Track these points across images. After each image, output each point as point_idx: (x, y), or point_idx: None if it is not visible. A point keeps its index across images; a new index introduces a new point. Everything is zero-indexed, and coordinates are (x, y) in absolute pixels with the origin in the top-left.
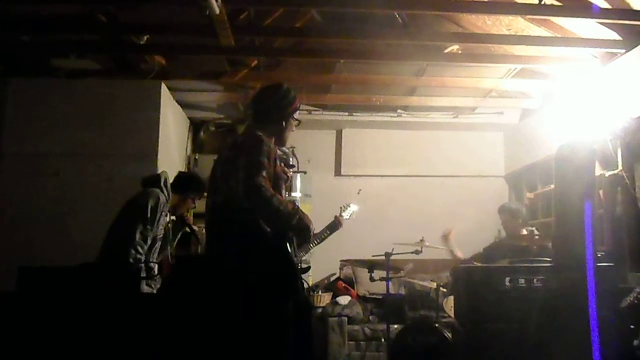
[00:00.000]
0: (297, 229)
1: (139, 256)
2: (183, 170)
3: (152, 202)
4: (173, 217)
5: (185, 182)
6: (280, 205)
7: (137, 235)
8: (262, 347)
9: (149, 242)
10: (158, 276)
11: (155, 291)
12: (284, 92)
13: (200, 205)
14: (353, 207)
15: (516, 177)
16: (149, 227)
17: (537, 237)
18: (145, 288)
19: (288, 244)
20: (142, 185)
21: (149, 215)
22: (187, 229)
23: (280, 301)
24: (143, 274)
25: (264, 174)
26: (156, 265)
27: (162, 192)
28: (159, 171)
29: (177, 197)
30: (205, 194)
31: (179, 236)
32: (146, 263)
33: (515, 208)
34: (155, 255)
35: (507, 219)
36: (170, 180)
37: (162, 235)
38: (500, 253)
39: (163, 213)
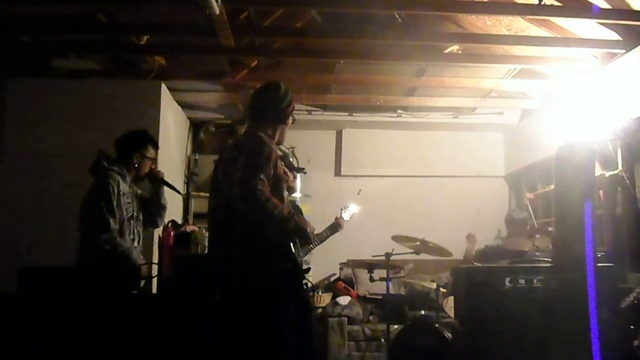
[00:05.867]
0: (294, 234)
1: (120, 250)
2: (183, 170)
3: (100, 194)
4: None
5: (122, 146)
6: (275, 209)
7: (103, 236)
8: (265, 348)
9: (117, 226)
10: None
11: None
12: (284, 92)
13: (201, 205)
14: (353, 208)
15: (516, 178)
16: (107, 217)
17: (537, 237)
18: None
19: (292, 244)
20: (91, 175)
21: (102, 205)
22: (164, 184)
23: (283, 302)
24: (143, 274)
25: (262, 176)
26: (156, 266)
27: (112, 170)
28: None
29: (127, 164)
30: (206, 194)
31: (162, 194)
32: (120, 249)
33: (522, 218)
34: (132, 236)
35: (518, 230)
36: None
37: (132, 214)
38: (500, 255)
39: (121, 192)
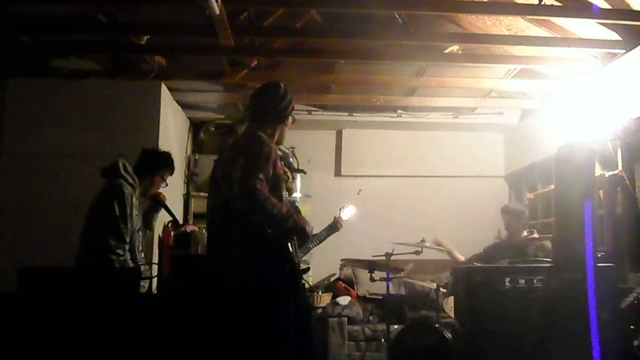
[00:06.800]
0: (292, 232)
1: (122, 258)
2: (183, 170)
3: (117, 198)
4: None
5: (149, 161)
6: (274, 208)
7: (112, 240)
8: (264, 348)
9: (128, 240)
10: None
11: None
12: (283, 91)
13: (201, 205)
14: (352, 208)
15: (516, 178)
16: (122, 226)
17: (536, 237)
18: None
19: (290, 244)
20: (102, 176)
21: (117, 213)
22: (163, 209)
23: (282, 302)
24: (144, 274)
25: (261, 176)
26: (156, 266)
27: (125, 180)
28: None
29: (144, 178)
30: (205, 194)
31: (156, 217)
32: (134, 260)
33: (519, 209)
34: (141, 248)
35: (510, 220)
36: None
37: (140, 227)
38: (500, 253)
39: (133, 204)
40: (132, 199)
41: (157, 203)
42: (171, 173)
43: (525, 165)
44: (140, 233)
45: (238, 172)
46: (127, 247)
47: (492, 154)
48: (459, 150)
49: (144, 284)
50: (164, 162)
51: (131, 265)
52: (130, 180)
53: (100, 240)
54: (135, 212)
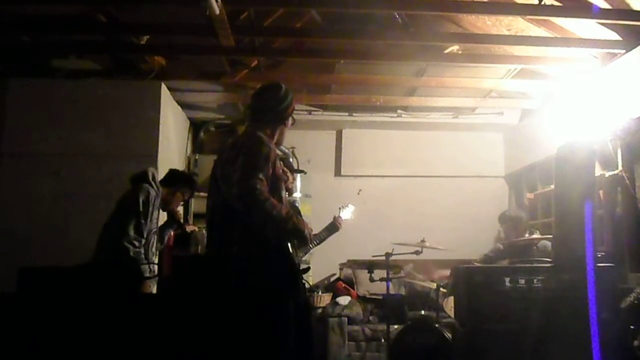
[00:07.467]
0: (292, 234)
1: (137, 250)
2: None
3: (142, 196)
4: None
5: (175, 177)
6: (274, 209)
7: (132, 231)
8: (264, 348)
9: (145, 235)
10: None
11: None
12: (284, 92)
13: (201, 205)
14: (351, 207)
15: (516, 178)
16: (142, 221)
17: (536, 237)
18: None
19: (289, 245)
20: (130, 182)
21: (141, 209)
22: (177, 226)
23: (281, 302)
24: (146, 274)
25: (261, 176)
26: (156, 266)
27: (152, 187)
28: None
29: (167, 191)
30: (205, 194)
31: (168, 233)
32: (147, 258)
33: (515, 216)
34: (154, 249)
35: (508, 228)
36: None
37: (156, 230)
38: (502, 257)
39: (155, 207)
40: (155, 202)
41: (173, 219)
42: (191, 194)
43: (525, 165)
44: (155, 236)
45: (237, 173)
46: (143, 242)
47: (492, 154)
48: (459, 150)
49: (151, 283)
50: (188, 182)
51: (144, 260)
52: (155, 187)
53: (121, 230)
54: (155, 214)
